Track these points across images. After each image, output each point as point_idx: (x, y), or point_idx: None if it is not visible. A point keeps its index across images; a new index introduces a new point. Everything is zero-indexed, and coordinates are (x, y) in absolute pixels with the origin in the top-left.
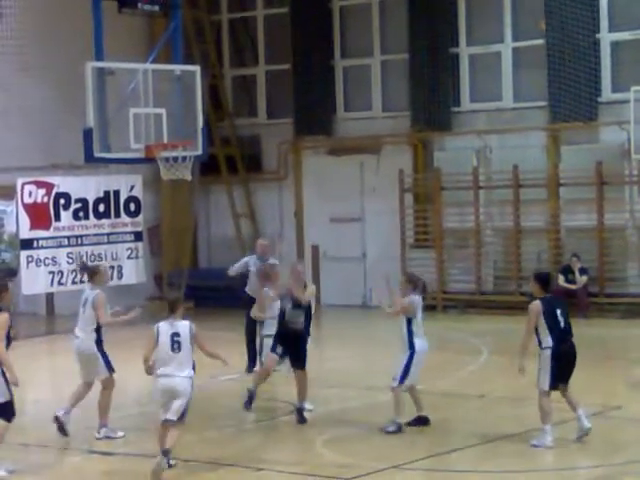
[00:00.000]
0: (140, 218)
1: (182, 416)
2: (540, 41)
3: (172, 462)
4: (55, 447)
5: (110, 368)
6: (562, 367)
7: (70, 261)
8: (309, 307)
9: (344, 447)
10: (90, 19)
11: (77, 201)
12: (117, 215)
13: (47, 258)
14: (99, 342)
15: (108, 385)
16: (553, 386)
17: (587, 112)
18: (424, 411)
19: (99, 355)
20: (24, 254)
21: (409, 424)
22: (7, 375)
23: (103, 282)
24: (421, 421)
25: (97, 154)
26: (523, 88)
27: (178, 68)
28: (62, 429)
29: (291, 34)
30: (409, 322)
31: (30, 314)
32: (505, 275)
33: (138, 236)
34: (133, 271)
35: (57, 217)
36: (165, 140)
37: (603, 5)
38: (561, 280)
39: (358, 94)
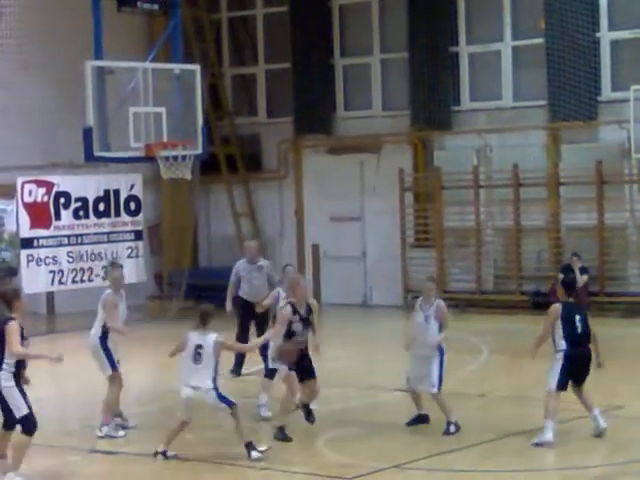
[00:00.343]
0: (140, 217)
1: (228, 405)
2: (540, 40)
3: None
4: (57, 446)
5: (113, 365)
6: (573, 370)
7: (70, 260)
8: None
9: (345, 447)
10: (90, 18)
11: (77, 200)
12: (117, 214)
13: (47, 257)
14: (103, 338)
15: (113, 382)
16: (560, 387)
17: (587, 111)
18: (424, 410)
19: (102, 351)
20: (24, 253)
21: (408, 424)
22: (23, 383)
23: (112, 283)
24: (421, 419)
25: (97, 153)
26: (523, 87)
27: (178, 67)
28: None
29: (291, 33)
30: (440, 327)
31: (30, 313)
32: (505, 274)
33: (138, 235)
34: (133, 270)
35: (57, 216)
36: (165, 139)
37: (603, 4)
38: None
39: (358, 93)
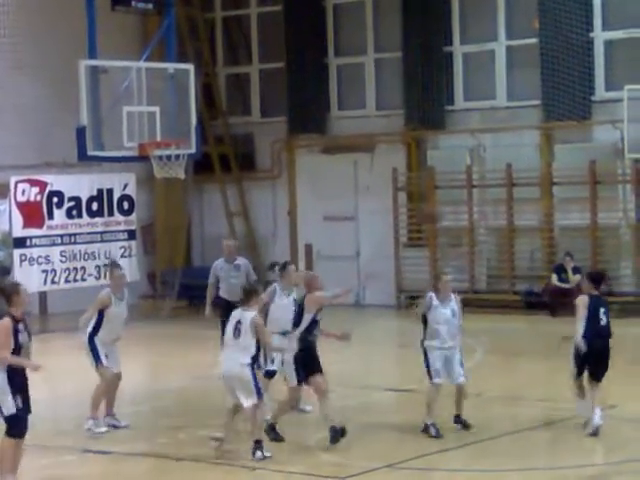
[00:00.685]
0: (133, 216)
1: (258, 396)
2: (534, 40)
3: (267, 454)
4: (50, 446)
5: (98, 359)
6: (589, 360)
7: (63, 259)
8: None
9: (338, 446)
10: (84, 17)
11: (70, 199)
12: (110, 213)
13: (40, 257)
14: (91, 336)
15: (101, 378)
16: (579, 373)
17: (581, 111)
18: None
19: (88, 346)
20: (17, 252)
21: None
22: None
23: (113, 282)
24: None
25: (90, 152)
26: (517, 87)
27: (171, 66)
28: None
29: (285, 32)
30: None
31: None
32: (498, 274)
33: (131, 234)
34: (126, 269)
35: (50, 215)
36: (158, 138)
37: (597, 4)
38: (554, 279)
39: (352, 92)
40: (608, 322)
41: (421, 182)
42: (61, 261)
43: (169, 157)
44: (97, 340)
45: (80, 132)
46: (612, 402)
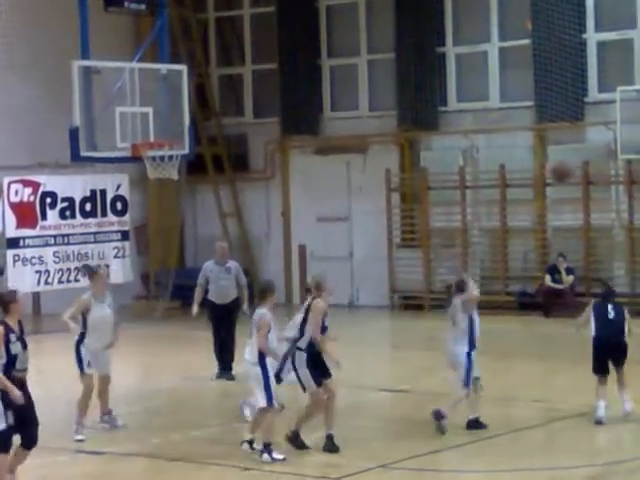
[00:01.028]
0: (127, 217)
1: (267, 401)
2: (527, 41)
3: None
4: (42, 447)
5: (80, 367)
6: (599, 355)
7: (57, 260)
8: None
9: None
10: (76, 18)
11: (63, 200)
12: (104, 214)
13: (33, 257)
14: (78, 343)
15: (83, 384)
16: (595, 371)
17: (573, 112)
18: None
19: (74, 352)
20: (10, 253)
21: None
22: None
23: (94, 285)
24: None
25: (83, 153)
26: (510, 88)
27: (164, 67)
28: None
29: (278, 33)
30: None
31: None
32: (492, 275)
33: (125, 235)
34: (120, 270)
35: (43, 216)
36: (152, 139)
37: (589, 5)
38: (547, 280)
39: (345, 93)
40: (618, 315)
41: (414, 183)
42: (54, 262)
43: (162, 158)
44: (83, 348)
45: (73, 133)
46: (609, 402)
